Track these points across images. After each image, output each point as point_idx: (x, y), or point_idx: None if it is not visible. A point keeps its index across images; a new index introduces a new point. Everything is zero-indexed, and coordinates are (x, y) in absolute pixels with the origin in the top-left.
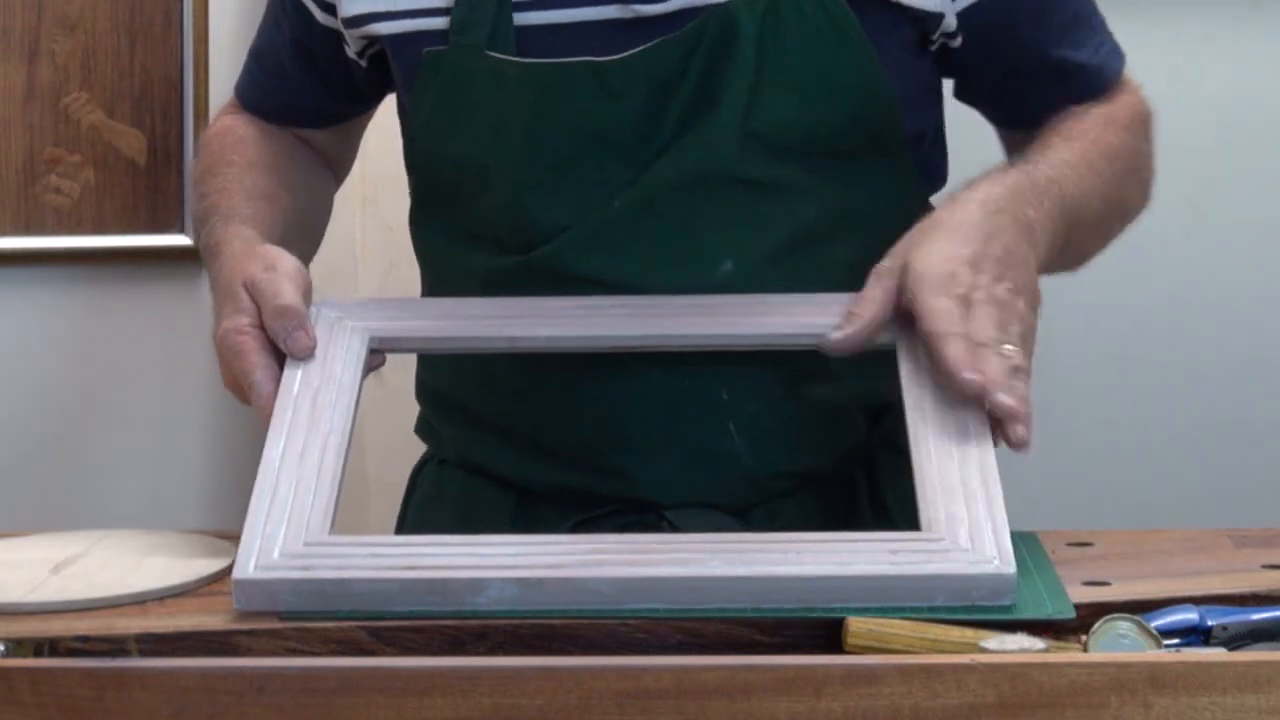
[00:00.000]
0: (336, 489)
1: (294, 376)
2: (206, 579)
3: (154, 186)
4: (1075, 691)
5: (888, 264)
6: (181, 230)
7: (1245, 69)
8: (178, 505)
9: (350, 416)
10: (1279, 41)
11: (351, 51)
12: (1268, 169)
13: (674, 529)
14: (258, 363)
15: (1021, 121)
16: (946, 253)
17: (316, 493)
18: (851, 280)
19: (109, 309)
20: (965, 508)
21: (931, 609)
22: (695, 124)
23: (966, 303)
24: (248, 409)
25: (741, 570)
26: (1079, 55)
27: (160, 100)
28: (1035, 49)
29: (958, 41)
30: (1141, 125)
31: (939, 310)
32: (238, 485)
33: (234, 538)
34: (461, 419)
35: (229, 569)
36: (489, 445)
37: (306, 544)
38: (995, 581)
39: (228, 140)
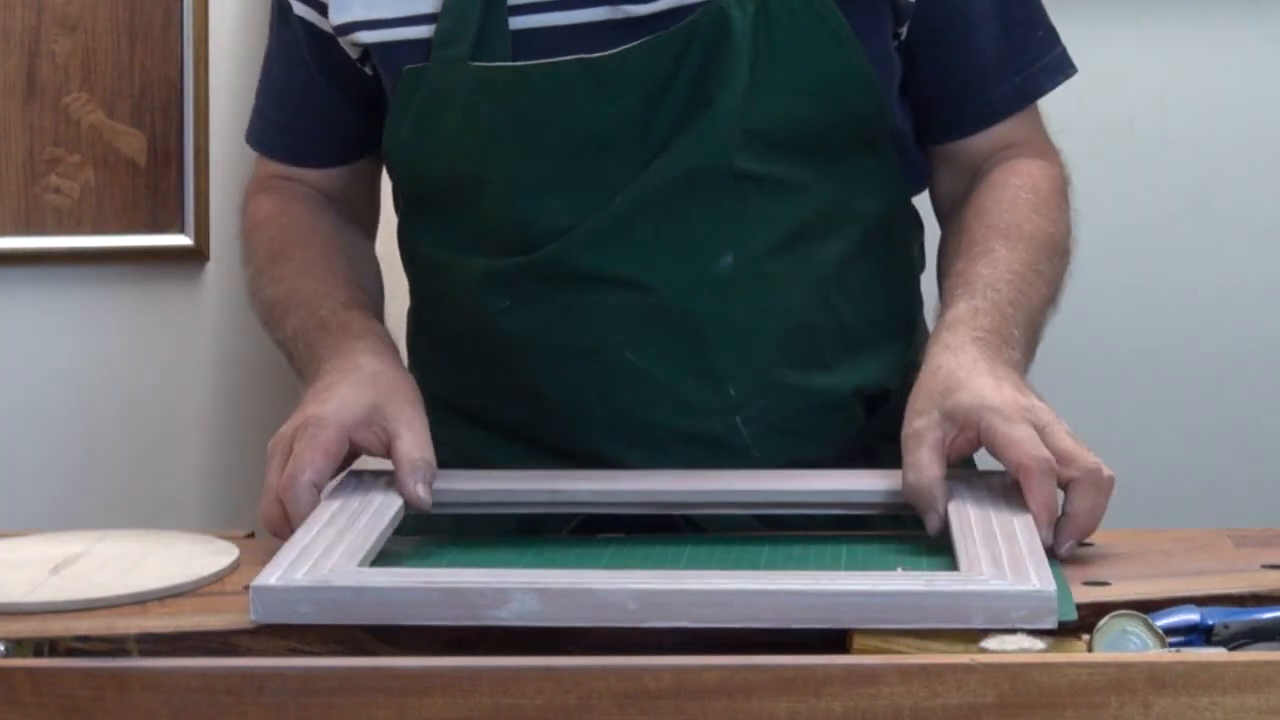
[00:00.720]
0: (368, 550)
1: (338, 499)
2: (207, 579)
3: (154, 186)
4: (1075, 691)
5: (921, 423)
6: (181, 230)
7: (1241, 66)
8: (178, 505)
9: (383, 529)
10: (1274, 39)
11: (354, 55)
12: (1268, 167)
13: (688, 524)
14: (323, 467)
15: (947, 131)
16: (990, 385)
17: (349, 549)
18: (842, 276)
19: (109, 309)
20: (1004, 550)
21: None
22: (692, 122)
23: (1038, 427)
24: (249, 409)
25: (769, 585)
26: (1020, 60)
27: (160, 100)
28: (976, 44)
29: (904, 30)
30: (1064, 198)
31: (1019, 438)
32: (239, 485)
33: (235, 539)
34: (460, 420)
35: (230, 569)
36: (491, 445)
37: (331, 570)
38: (1036, 600)
39: (290, 222)
